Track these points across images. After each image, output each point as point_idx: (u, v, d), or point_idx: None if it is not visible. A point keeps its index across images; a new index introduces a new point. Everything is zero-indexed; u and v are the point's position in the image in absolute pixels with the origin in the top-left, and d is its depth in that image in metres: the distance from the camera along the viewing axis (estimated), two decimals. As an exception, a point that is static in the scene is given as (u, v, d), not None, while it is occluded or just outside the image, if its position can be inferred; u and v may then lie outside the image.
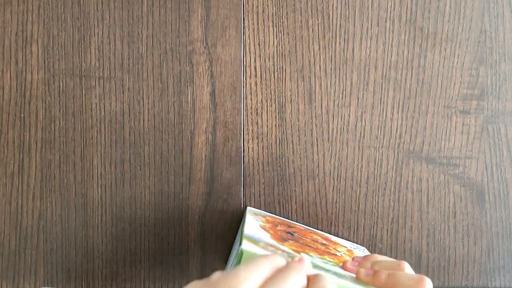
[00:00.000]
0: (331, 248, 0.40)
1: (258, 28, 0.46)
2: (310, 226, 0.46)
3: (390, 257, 0.46)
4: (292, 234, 0.39)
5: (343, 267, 0.34)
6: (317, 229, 0.46)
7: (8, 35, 0.45)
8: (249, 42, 0.46)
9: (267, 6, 0.46)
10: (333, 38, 0.46)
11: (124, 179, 0.45)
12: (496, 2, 0.46)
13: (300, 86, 0.46)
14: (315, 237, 0.41)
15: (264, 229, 0.37)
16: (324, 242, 0.41)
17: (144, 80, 0.45)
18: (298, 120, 0.46)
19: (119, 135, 0.45)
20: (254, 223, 0.38)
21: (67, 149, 0.45)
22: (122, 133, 0.45)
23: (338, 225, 0.46)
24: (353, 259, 0.35)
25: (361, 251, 0.43)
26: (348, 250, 0.41)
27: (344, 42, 0.46)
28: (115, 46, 0.45)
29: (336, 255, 0.38)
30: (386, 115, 0.46)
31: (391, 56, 0.46)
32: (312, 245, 0.38)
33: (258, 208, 0.46)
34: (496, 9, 0.46)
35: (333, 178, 0.46)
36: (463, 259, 0.46)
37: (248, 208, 0.44)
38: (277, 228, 0.39)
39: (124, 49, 0.45)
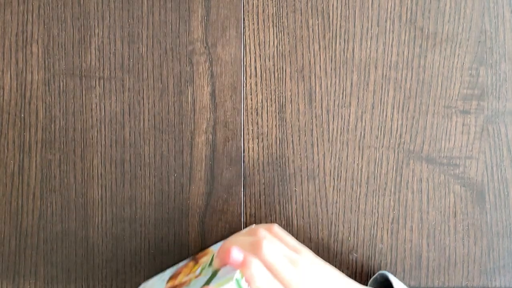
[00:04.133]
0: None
1: (258, 28, 0.46)
2: (310, 226, 0.46)
3: (390, 257, 0.46)
4: None
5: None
6: (317, 229, 0.46)
7: (8, 35, 0.45)
8: (249, 42, 0.46)
9: (267, 6, 0.46)
10: (333, 38, 0.46)
11: (124, 179, 0.45)
12: (496, 2, 0.46)
13: (300, 86, 0.46)
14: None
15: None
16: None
17: (144, 80, 0.45)
18: (298, 120, 0.46)
19: (119, 135, 0.45)
20: None
21: (67, 149, 0.45)
22: (122, 133, 0.45)
23: (338, 225, 0.46)
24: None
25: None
26: None
27: (344, 42, 0.46)
28: (115, 46, 0.45)
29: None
30: (386, 115, 0.46)
31: (391, 56, 0.46)
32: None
33: (257, 208, 0.46)
34: (496, 9, 0.46)
35: (333, 178, 0.46)
36: (463, 259, 0.46)
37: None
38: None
39: (124, 49, 0.45)
